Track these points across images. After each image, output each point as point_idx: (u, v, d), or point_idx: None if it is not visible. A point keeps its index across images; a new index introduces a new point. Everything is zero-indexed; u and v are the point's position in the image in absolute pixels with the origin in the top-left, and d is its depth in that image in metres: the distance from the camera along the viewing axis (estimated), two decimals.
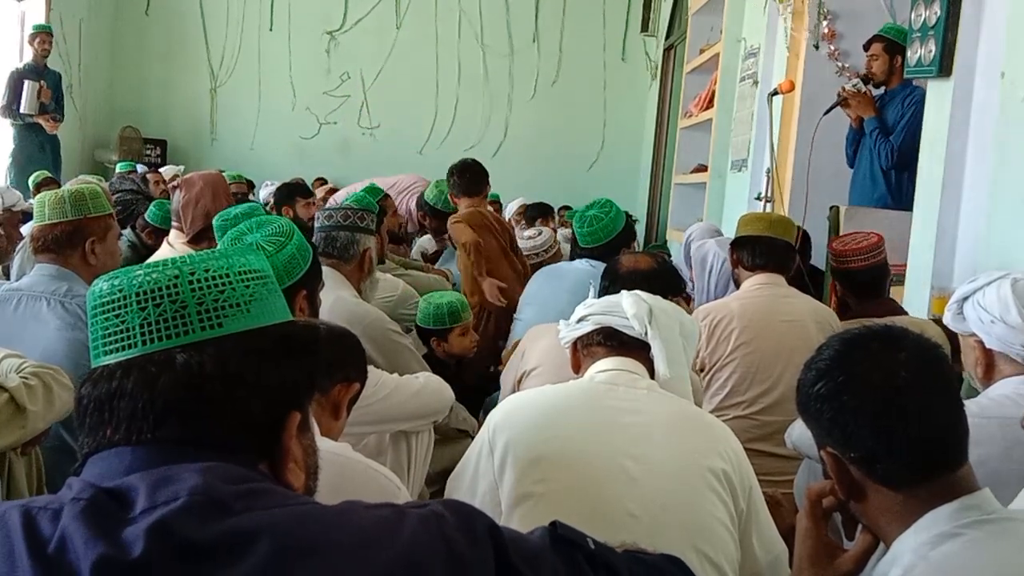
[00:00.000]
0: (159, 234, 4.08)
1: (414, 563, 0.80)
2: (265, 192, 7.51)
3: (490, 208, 4.29)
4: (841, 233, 3.46)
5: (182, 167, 8.03)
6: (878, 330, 1.21)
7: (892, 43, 4.13)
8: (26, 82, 7.24)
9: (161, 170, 7.44)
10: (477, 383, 3.37)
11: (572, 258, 3.51)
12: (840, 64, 4.82)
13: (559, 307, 2.88)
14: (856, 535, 1.23)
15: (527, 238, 4.38)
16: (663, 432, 1.63)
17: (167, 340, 0.86)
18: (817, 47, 4.88)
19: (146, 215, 4.35)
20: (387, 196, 4.70)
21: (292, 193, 5.11)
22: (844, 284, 3.04)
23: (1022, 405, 1.70)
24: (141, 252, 4.10)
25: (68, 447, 2.16)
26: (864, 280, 2.96)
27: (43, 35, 7.46)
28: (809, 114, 4.60)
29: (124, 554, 0.75)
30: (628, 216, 3.57)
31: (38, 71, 7.39)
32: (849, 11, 4.86)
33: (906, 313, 3.01)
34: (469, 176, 4.14)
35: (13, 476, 1.91)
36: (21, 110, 7.23)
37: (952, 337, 1.98)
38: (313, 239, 2.78)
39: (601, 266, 3.10)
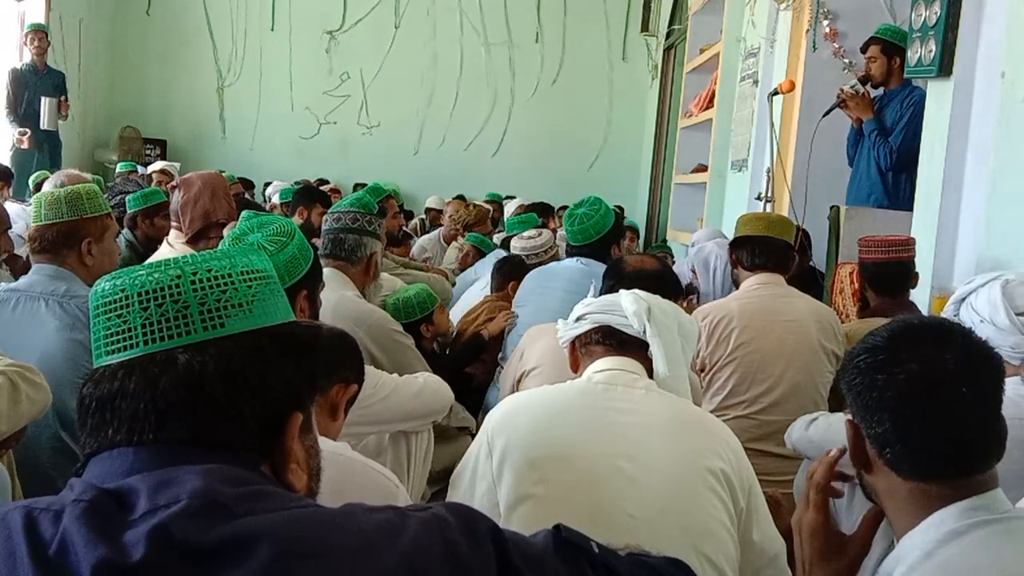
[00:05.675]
0: (147, 218, 4.07)
1: (415, 566, 0.80)
2: (271, 190, 7.50)
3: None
4: (842, 233, 3.45)
5: (178, 164, 8.02)
6: (936, 324, 1.21)
7: (890, 44, 4.11)
8: (45, 99, 7.20)
9: (154, 165, 7.39)
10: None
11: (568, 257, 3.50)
12: (847, 61, 4.81)
13: (553, 306, 2.89)
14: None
15: (527, 238, 4.34)
16: (661, 433, 1.62)
17: (169, 340, 0.86)
18: (815, 47, 4.87)
19: (127, 206, 4.29)
20: (388, 197, 4.68)
21: (314, 198, 4.87)
22: (863, 275, 3.06)
23: (1021, 406, 1.70)
24: (138, 250, 4.08)
25: (69, 448, 2.15)
26: (879, 274, 2.97)
27: (33, 34, 7.36)
28: (809, 114, 4.59)
29: (125, 557, 0.75)
30: (619, 212, 3.56)
31: (37, 72, 7.36)
32: (849, 11, 4.86)
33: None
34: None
35: None
36: (42, 126, 7.18)
37: None
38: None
39: (593, 264, 3.10)
